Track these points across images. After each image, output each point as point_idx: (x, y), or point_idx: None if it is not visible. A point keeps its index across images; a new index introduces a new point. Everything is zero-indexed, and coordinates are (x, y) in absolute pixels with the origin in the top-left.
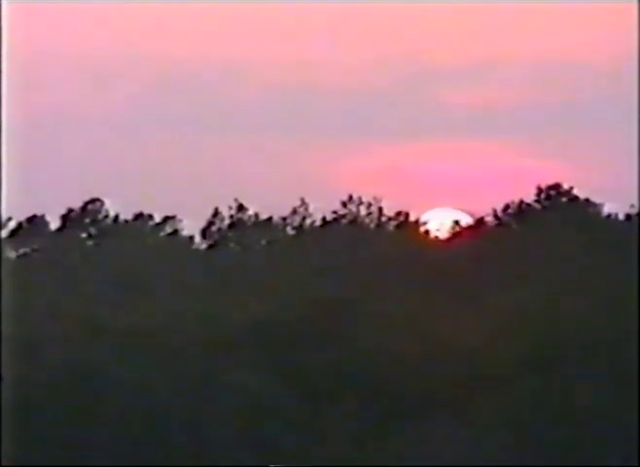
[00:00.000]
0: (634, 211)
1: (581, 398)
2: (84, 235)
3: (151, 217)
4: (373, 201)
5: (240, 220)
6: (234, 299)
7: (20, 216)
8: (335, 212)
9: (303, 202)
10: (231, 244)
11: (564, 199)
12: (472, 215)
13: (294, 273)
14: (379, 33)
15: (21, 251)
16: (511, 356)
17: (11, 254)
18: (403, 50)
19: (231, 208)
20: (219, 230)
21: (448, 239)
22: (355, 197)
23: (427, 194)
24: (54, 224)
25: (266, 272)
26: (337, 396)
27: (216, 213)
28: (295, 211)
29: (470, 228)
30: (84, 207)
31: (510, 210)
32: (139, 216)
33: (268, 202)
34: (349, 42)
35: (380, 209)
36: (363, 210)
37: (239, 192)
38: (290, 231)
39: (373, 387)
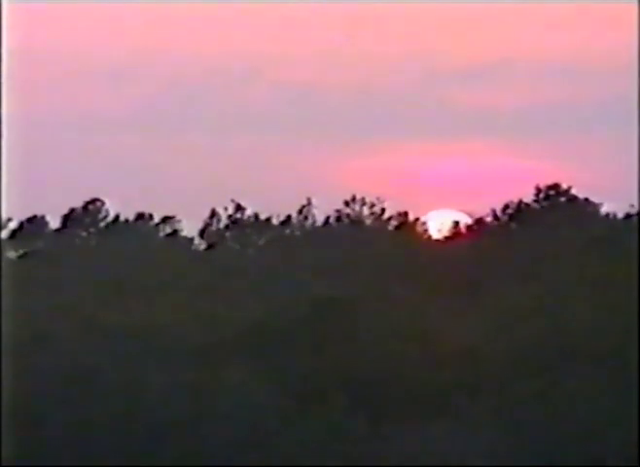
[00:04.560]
0: (634, 211)
1: (581, 398)
2: (84, 235)
3: (151, 217)
4: (375, 202)
5: (239, 220)
6: (234, 299)
7: (21, 216)
8: (337, 211)
9: (310, 202)
10: (230, 244)
11: (563, 199)
12: (471, 216)
13: (293, 273)
14: (388, 33)
15: (22, 251)
16: (510, 356)
17: (11, 254)
18: (410, 50)
19: (226, 209)
20: (217, 230)
21: (448, 239)
22: (358, 197)
23: (428, 194)
24: (55, 224)
25: (265, 272)
26: (336, 396)
27: (214, 213)
28: (301, 211)
29: (469, 228)
30: (84, 207)
31: (509, 210)
32: (139, 216)
33: (271, 202)
34: (357, 42)
35: (382, 209)
36: (365, 210)
37: (241, 191)
38: (290, 230)
39: (372, 387)
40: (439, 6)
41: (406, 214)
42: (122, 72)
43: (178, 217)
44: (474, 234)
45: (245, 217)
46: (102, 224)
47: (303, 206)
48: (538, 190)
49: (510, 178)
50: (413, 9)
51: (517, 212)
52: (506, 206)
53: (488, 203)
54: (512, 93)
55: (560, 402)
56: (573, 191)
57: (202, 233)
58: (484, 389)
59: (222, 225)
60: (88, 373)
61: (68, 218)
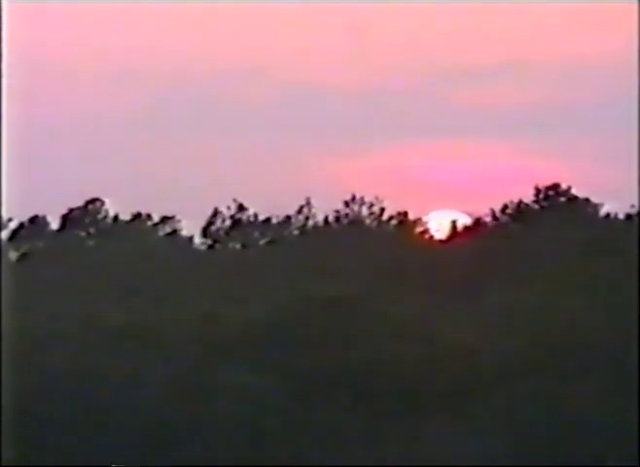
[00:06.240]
0: (634, 211)
1: (580, 398)
2: (84, 235)
3: (150, 217)
4: (375, 202)
5: (240, 220)
6: (234, 298)
7: (21, 216)
8: (337, 212)
9: (309, 202)
10: (231, 244)
11: (563, 200)
12: (471, 216)
13: (294, 273)
14: (389, 33)
15: (22, 251)
16: (510, 356)
17: (11, 254)
18: (410, 51)
19: (229, 208)
20: (218, 230)
21: (448, 240)
22: (357, 197)
23: (428, 194)
24: (55, 224)
25: (266, 272)
26: (336, 396)
27: (216, 213)
28: (300, 210)
29: (469, 228)
30: (84, 207)
31: (508, 210)
32: (139, 216)
33: (271, 202)
34: (358, 42)
35: (382, 209)
36: (365, 210)
37: (241, 191)
38: (291, 230)
39: (372, 387)
40: (440, 6)
41: (405, 214)
42: (123, 72)
43: (178, 217)
44: (473, 235)
45: (246, 217)
46: (102, 224)
47: (302, 206)
48: (538, 190)
49: (510, 178)
50: (415, 9)
51: (517, 212)
52: (505, 206)
53: (488, 203)
54: (512, 94)
55: (560, 402)
56: (573, 191)
57: (204, 233)
58: (484, 389)
59: (223, 225)
60: (87, 372)
61: (68, 218)
